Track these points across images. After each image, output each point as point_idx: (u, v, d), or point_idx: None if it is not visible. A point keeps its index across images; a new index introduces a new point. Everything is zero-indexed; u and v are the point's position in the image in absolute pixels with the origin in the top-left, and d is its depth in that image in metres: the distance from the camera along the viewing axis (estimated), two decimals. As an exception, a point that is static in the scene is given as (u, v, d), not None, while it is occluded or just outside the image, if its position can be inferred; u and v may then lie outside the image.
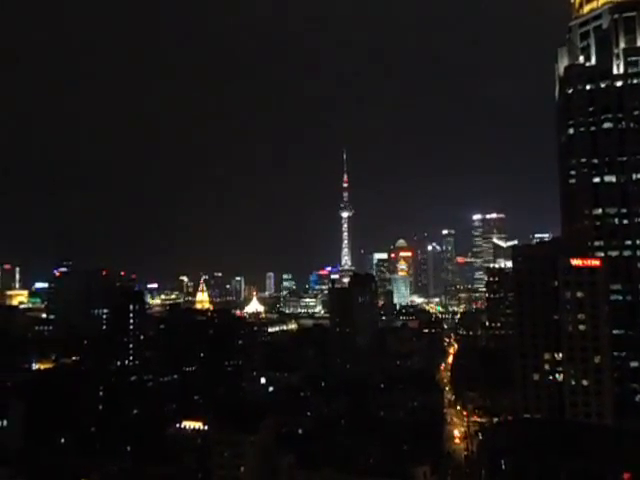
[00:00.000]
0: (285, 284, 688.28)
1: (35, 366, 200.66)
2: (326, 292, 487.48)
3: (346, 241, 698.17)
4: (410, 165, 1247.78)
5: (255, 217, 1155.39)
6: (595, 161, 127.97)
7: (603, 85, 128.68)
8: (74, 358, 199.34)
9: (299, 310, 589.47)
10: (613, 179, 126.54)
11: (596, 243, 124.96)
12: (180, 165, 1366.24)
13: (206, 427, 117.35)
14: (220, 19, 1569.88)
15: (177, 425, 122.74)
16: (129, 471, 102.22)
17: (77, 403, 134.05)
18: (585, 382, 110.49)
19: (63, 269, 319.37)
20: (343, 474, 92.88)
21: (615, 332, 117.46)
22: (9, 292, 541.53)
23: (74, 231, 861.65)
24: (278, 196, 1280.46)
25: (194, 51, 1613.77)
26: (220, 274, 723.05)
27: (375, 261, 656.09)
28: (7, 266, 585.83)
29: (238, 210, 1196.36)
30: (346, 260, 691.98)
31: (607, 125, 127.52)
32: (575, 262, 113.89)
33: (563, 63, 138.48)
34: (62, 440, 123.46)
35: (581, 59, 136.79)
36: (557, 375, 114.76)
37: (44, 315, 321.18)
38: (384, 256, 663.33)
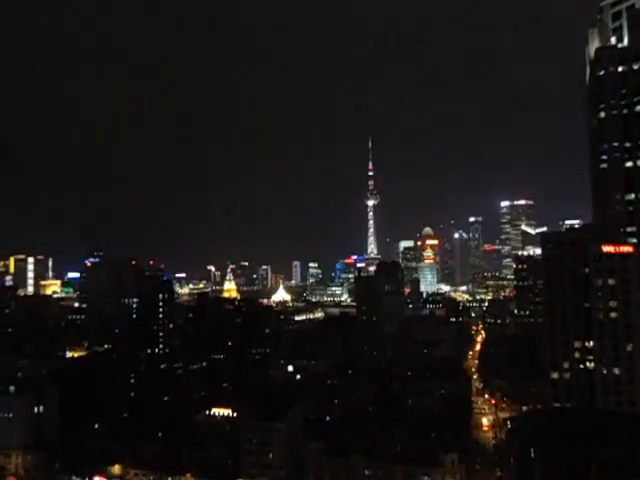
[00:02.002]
0: (311, 272, 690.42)
1: (69, 354, 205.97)
2: (352, 280, 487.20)
3: (372, 229, 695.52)
4: (436, 152, 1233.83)
5: (281, 206, 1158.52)
6: (627, 145, 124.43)
7: (636, 67, 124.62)
8: (106, 346, 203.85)
9: (325, 298, 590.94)
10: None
11: (628, 229, 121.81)
12: (207, 154, 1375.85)
13: (235, 414, 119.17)
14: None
15: (206, 412, 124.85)
16: (160, 456, 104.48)
17: (109, 390, 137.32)
18: (617, 370, 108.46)
19: (94, 259, 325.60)
20: (371, 461, 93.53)
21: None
22: (43, 282, 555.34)
23: (105, 222, 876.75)
24: (304, 185, 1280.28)
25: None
26: (247, 263, 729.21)
27: (401, 249, 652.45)
28: (40, 257, 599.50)
29: (264, 199, 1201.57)
30: (372, 248, 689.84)
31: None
32: (607, 248, 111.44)
33: (594, 45, 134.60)
34: (96, 426, 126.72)
35: (613, 40, 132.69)
36: (588, 363, 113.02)
37: (76, 304, 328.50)
38: (410, 244, 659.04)
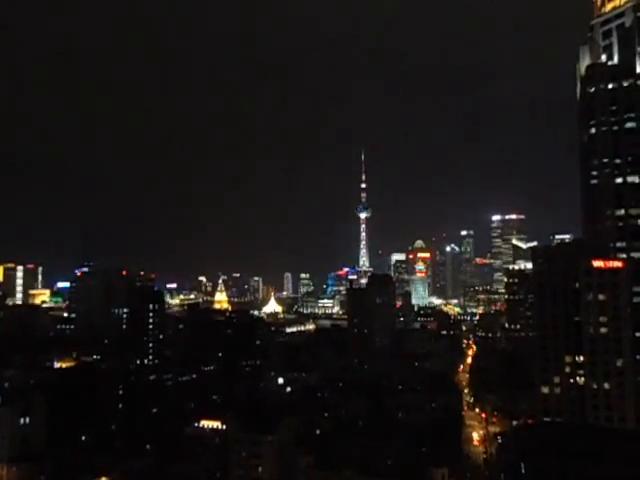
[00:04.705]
0: (303, 284, 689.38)
1: (56, 365, 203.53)
2: (344, 293, 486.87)
3: (364, 242, 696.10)
4: (428, 166, 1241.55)
5: (273, 217, 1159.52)
6: (617, 161, 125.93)
7: (626, 84, 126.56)
8: (95, 357, 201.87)
9: (317, 311, 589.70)
10: (636, 179, 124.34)
11: (618, 244, 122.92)
12: (199, 165, 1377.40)
13: (224, 427, 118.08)
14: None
15: (195, 424, 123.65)
16: (149, 469, 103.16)
17: (98, 401, 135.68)
18: (607, 385, 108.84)
19: (84, 269, 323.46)
20: (362, 475, 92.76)
21: (638, 335, 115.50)
22: (32, 291, 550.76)
23: (95, 232, 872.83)
24: (297, 196, 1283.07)
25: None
26: (238, 274, 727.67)
27: (393, 262, 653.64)
28: (30, 266, 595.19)
29: (256, 210, 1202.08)
30: (364, 261, 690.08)
31: (630, 125, 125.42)
32: (597, 263, 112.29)
33: (585, 62, 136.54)
34: (83, 438, 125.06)
35: (603, 58, 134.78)
36: (578, 378, 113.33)
37: (66, 314, 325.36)
38: (402, 257, 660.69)
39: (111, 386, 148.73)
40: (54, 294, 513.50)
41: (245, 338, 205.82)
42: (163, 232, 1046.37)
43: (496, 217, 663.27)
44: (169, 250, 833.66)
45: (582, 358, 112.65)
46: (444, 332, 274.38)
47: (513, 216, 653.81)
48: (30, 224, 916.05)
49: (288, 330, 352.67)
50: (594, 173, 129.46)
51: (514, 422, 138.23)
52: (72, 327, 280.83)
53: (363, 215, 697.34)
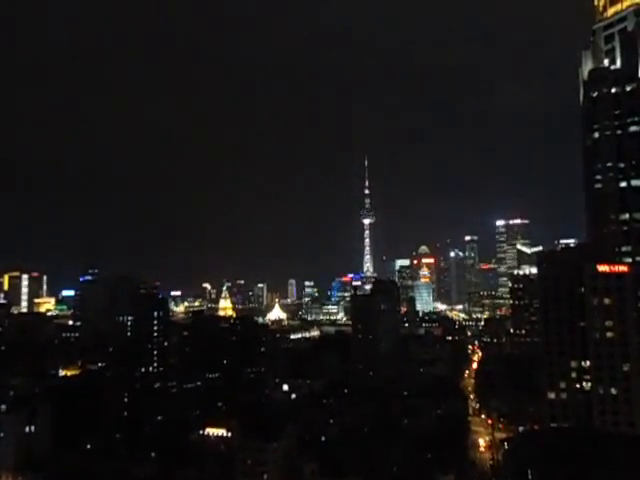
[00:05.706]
0: (307, 291, 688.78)
1: (62, 372, 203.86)
2: (348, 299, 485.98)
3: (368, 248, 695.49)
4: (431, 171, 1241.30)
5: (277, 224, 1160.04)
6: (621, 165, 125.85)
7: (629, 88, 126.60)
8: (100, 364, 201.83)
9: (321, 317, 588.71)
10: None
11: (623, 248, 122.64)
12: (207, 172, 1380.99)
13: (229, 434, 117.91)
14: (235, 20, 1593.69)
15: (200, 431, 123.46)
16: (153, 476, 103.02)
17: (103, 409, 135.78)
18: (614, 390, 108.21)
19: (89, 277, 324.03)
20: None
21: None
22: (37, 300, 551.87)
23: (100, 239, 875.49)
24: (301, 203, 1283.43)
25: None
26: (242, 281, 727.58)
27: (397, 267, 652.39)
28: (35, 274, 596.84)
29: (261, 217, 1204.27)
30: (368, 267, 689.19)
31: (633, 129, 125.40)
32: (602, 268, 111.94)
33: (587, 66, 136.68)
34: (88, 445, 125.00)
35: (606, 62, 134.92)
36: (585, 383, 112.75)
37: (70, 322, 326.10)
38: (406, 263, 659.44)
39: (116, 393, 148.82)
40: (59, 302, 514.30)
41: (249, 345, 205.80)
42: (168, 240, 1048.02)
43: (500, 222, 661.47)
44: (174, 258, 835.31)
45: (588, 363, 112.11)
46: (449, 338, 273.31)
47: (517, 221, 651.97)
48: (34, 232, 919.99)
49: (292, 337, 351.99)
50: (598, 177, 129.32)
51: (520, 428, 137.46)
52: (77, 335, 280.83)
53: (367, 221, 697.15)
